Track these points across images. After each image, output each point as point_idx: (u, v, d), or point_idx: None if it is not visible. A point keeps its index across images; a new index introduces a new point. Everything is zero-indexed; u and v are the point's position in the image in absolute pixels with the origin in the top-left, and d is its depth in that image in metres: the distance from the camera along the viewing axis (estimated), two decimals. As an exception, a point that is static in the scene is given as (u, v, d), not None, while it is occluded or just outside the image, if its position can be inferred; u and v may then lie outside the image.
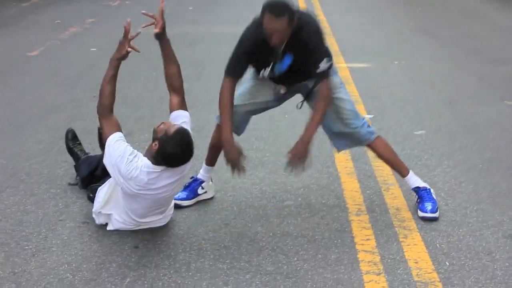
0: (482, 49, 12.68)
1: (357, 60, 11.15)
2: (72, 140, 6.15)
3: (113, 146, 4.95)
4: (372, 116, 8.08)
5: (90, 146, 6.00)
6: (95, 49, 11.66)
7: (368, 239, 5.14)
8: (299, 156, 5.29)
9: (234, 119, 5.38)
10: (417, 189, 5.60)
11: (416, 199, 5.60)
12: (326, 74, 5.19)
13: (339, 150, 5.71)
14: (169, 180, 4.96)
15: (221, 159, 5.49)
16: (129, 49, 5.25)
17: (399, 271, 4.69)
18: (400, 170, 5.68)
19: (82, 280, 4.51)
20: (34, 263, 4.72)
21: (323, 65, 5.14)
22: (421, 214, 5.46)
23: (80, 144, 6.12)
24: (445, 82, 9.99)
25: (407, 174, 5.65)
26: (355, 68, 10.51)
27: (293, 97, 5.67)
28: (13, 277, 4.53)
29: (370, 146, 5.60)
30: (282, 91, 5.44)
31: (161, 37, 5.37)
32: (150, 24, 5.39)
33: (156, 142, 4.86)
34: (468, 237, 5.19)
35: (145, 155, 4.96)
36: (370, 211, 5.62)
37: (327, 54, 5.22)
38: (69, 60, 11.00)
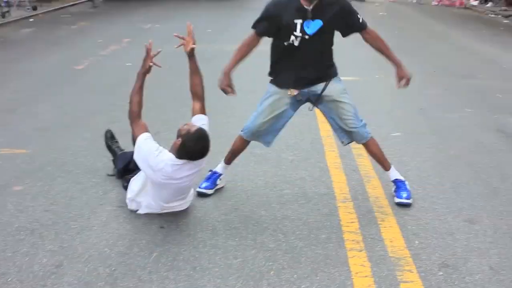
0: (447, 65, 12.69)
1: (345, 74, 10.95)
2: (110, 138, 6.16)
3: (142, 144, 4.98)
4: (356, 120, 8.06)
5: (125, 144, 5.98)
6: (130, 64, 11.61)
7: (352, 222, 5.13)
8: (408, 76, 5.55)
9: (262, 134, 5.48)
10: (395, 181, 5.60)
11: (393, 189, 5.59)
12: (365, 24, 5.39)
13: (343, 143, 5.65)
14: (190, 172, 4.96)
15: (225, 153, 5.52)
16: (151, 64, 5.33)
17: (377, 248, 4.68)
18: (384, 165, 5.66)
19: (117, 254, 4.51)
20: (78, 239, 4.72)
21: (361, 18, 5.34)
22: (397, 200, 5.47)
23: (117, 142, 6.13)
24: (417, 93, 9.94)
25: (389, 169, 5.65)
26: (345, 81, 10.41)
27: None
28: (61, 251, 4.54)
29: (365, 144, 5.57)
30: (295, 93, 5.35)
31: (191, 53, 5.42)
32: (181, 45, 5.42)
33: (180, 139, 4.88)
34: (434, 221, 5.19)
35: (170, 151, 4.96)
36: (354, 199, 5.62)
37: (357, 12, 5.37)
38: (108, 72, 11.01)
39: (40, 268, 4.29)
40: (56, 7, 21.64)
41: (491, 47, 15.73)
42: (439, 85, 10.61)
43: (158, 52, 5.38)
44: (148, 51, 5.35)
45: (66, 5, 22.44)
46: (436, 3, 28.03)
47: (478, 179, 6.19)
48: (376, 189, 5.85)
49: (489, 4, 27.05)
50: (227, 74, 5.45)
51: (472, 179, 6.19)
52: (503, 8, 25.56)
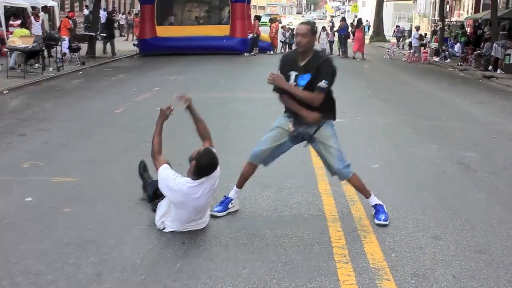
0: (416, 109, 12.64)
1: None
2: (143, 168, 6.11)
3: (162, 172, 5.03)
4: (342, 154, 8.02)
5: (154, 174, 5.93)
6: (159, 108, 11.64)
7: (340, 239, 5.07)
8: (277, 78, 5.20)
9: (264, 156, 5.48)
10: (375, 205, 5.54)
11: (373, 212, 5.53)
12: (321, 90, 5.16)
13: (331, 174, 5.63)
14: (205, 191, 4.92)
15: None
16: (168, 113, 5.49)
17: (360, 261, 4.63)
18: (365, 194, 5.61)
19: (147, 265, 4.46)
20: (115, 253, 4.67)
21: (322, 84, 5.14)
22: (377, 221, 5.41)
23: (148, 171, 6.08)
24: (392, 131, 9.94)
25: (369, 196, 5.59)
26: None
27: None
28: (101, 262, 4.49)
29: (348, 180, 5.56)
30: (292, 127, 5.35)
31: (189, 108, 5.52)
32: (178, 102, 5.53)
33: (194, 161, 4.91)
34: (407, 237, 5.14)
35: (187, 176, 4.96)
36: (341, 219, 5.55)
37: (329, 79, 5.17)
38: (141, 115, 10.98)
39: (84, 277, 4.24)
40: (101, 62, 21.76)
41: (451, 94, 15.73)
42: (409, 125, 10.56)
43: (171, 110, 5.49)
44: (162, 111, 5.51)
45: (108, 60, 22.59)
46: (406, 59, 28.12)
47: (442, 203, 6.13)
48: (359, 211, 5.78)
49: (448, 60, 27.15)
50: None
51: (437, 203, 6.12)
52: (459, 63, 25.66)
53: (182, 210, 4.97)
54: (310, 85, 5.18)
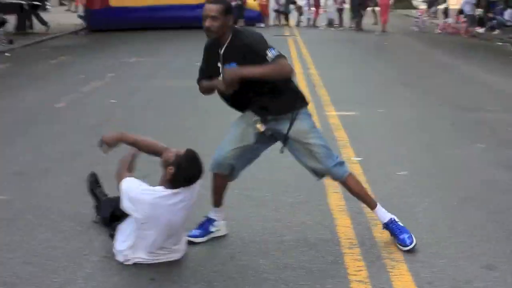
0: (452, 97, 12.73)
1: (346, 109, 11.16)
2: (94, 183, 6.11)
3: (124, 184, 5.02)
4: (359, 158, 8.05)
5: (109, 188, 5.93)
6: (114, 101, 11.67)
7: (360, 270, 5.07)
8: (231, 73, 5.11)
9: (227, 165, 5.46)
10: (386, 225, 5.51)
11: (389, 234, 5.52)
12: (277, 57, 5.10)
13: (319, 177, 5.62)
14: (179, 205, 4.96)
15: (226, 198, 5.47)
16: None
17: (388, 299, 4.63)
18: (369, 203, 5.59)
19: (104, 310, 4.45)
20: (61, 294, 4.66)
21: (270, 54, 5.10)
22: (404, 248, 5.37)
23: (100, 186, 6.07)
24: (422, 127, 9.99)
25: (375, 207, 5.57)
26: (344, 116, 10.51)
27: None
28: (42, 307, 4.47)
29: (343, 183, 5.53)
30: (262, 127, 5.36)
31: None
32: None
33: (171, 167, 4.89)
34: (448, 267, 5.14)
35: (160, 185, 4.98)
36: (361, 244, 5.56)
37: (269, 46, 5.16)
38: (91, 110, 11.00)
39: (20, 327, 4.23)
40: (35, 40, 21.72)
41: (500, 77, 15.81)
42: (446, 119, 10.61)
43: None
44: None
45: (44, 38, 22.51)
46: (440, 31, 28.25)
47: (493, 221, 6.15)
48: (384, 233, 5.76)
49: (497, 31, 27.26)
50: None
51: (487, 221, 6.14)
52: (511, 35, 25.75)
53: (150, 231, 4.96)
54: (242, 85, 5.20)
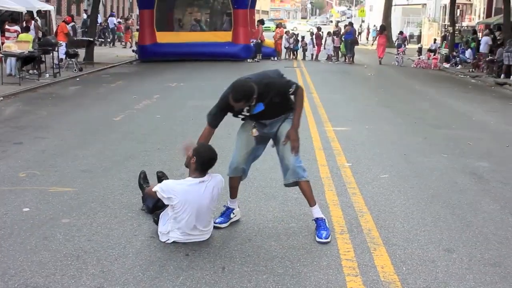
0: (425, 117, 12.68)
1: (340, 125, 11.14)
2: (143, 179, 6.14)
3: (161, 184, 5.12)
4: (350, 164, 8.04)
5: (154, 184, 5.96)
6: (159, 116, 11.72)
7: (348, 251, 5.07)
8: (296, 138, 5.29)
9: (241, 169, 5.52)
10: (316, 219, 5.42)
11: (315, 226, 5.44)
12: (295, 91, 5.27)
13: (283, 174, 5.49)
14: (208, 190, 5.04)
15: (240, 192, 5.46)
16: None
17: (370, 274, 4.63)
18: (310, 201, 5.47)
19: (149, 277, 4.47)
20: (116, 265, 4.69)
21: (291, 90, 5.27)
22: (318, 239, 5.26)
23: (148, 182, 6.10)
24: (400, 140, 9.95)
25: (313, 205, 5.47)
26: (338, 131, 10.49)
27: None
28: (102, 274, 4.51)
29: (298, 182, 5.40)
30: (256, 132, 5.41)
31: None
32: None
33: (193, 158, 5.02)
34: (418, 250, 5.14)
35: (189, 176, 5.13)
36: (350, 231, 5.56)
37: (290, 85, 5.27)
38: (142, 123, 11.04)
39: (84, 290, 4.26)
40: (98, 68, 21.85)
41: (462, 102, 15.74)
42: (419, 134, 10.55)
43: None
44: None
45: (106, 67, 22.67)
46: (415, 66, 28.15)
47: (454, 214, 6.14)
48: (368, 222, 5.79)
49: (459, 67, 27.19)
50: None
51: (449, 214, 6.13)
52: (471, 70, 25.69)
53: (183, 214, 4.99)
54: (265, 111, 5.26)
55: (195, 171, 5.06)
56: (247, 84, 5.07)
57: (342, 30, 30.57)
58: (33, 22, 20.39)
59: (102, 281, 4.39)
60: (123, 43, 36.82)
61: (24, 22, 20.03)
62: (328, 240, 5.25)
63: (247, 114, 5.32)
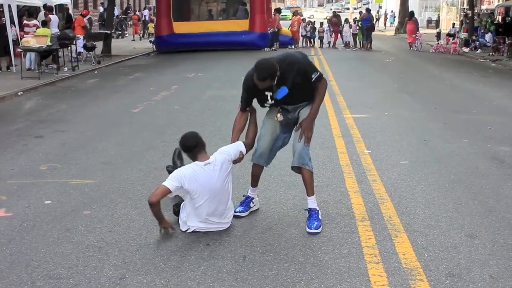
0: (445, 103, 12.56)
1: (359, 112, 11.09)
2: (177, 155, 6.13)
3: (168, 178, 5.03)
4: (370, 151, 8.01)
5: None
6: (177, 107, 11.74)
7: (370, 238, 5.06)
8: (308, 128, 5.28)
9: (264, 158, 5.54)
10: (309, 209, 5.36)
11: (307, 216, 5.38)
12: (318, 78, 5.24)
13: (292, 167, 5.44)
14: (216, 170, 5.05)
15: (261, 182, 5.45)
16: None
17: (392, 261, 4.61)
18: (309, 191, 5.39)
19: (171, 267, 4.50)
20: (138, 255, 4.72)
21: (314, 76, 5.21)
22: (307, 229, 5.20)
23: (182, 159, 6.07)
24: (420, 126, 9.88)
25: (311, 196, 5.40)
26: (358, 118, 10.44)
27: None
28: (124, 265, 4.54)
29: (302, 169, 5.34)
30: (280, 117, 5.40)
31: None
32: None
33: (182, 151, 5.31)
34: (440, 236, 5.10)
35: None
36: (371, 218, 5.54)
37: (314, 69, 5.27)
38: (160, 114, 11.07)
39: (106, 280, 4.30)
40: (116, 61, 21.93)
41: (482, 86, 15.59)
42: (439, 120, 10.48)
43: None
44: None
45: (124, 59, 22.74)
46: (434, 51, 27.89)
47: (476, 200, 6.09)
48: (389, 209, 5.76)
49: (479, 51, 26.90)
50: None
51: (471, 200, 6.08)
52: (491, 53, 25.41)
53: (198, 198, 4.99)
54: (290, 95, 5.24)
55: (193, 159, 5.14)
56: (270, 62, 5.10)
57: (350, 21, 30.62)
58: (53, 16, 20.48)
59: (124, 272, 4.42)
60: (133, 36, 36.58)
61: (44, 16, 20.09)
62: (318, 231, 5.18)
63: (272, 102, 5.31)
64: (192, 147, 5.11)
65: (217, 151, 5.25)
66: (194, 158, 5.13)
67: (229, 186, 5.25)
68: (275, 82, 5.12)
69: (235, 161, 5.31)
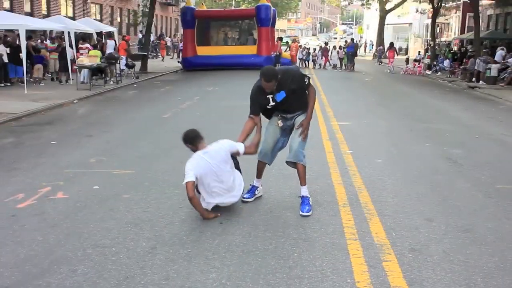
0: (411, 114, 12.51)
1: (343, 120, 11.07)
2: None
3: (186, 175, 4.94)
4: (351, 151, 8.00)
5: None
6: (199, 113, 11.75)
7: (349, 220, 5.06)
8: (306, 126, 5.29)
9: (268, 157, 5.53)
10: (302, 196, 5.33)
11: (300, 202, 5.33)
12: (309, 83, 5.31)
13: (287, 162, 5.40)
14: (209, 154, 5.01)
15: (265, 175, 5.45)
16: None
17: (366, 238, 4.61)
18: (302, 181, 5.36)
19: (192, 240, 4.52)
20: (166, 230, 4.74)
21: (306, 80, 5.29)
22: (300, 213, 5.18)
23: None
24: (392, 132, 9.86)
25: (303, 185, 5.36)
26: (342, 125, 10.42)
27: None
28: (155, 238, 4.56)
29: (296, 164, 5.32)
30: (280, 123, 5.42)
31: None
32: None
33: (187, 144, 5.27)
34: (405, 219, 5.10)
35: None
36: (351, 204, 5.54)
37: (305, 76, 5.32)
38: (185, 119, 11.06)
39: (141, 249, 4.32)
40: (151, 76, 21.95)
41: (441, 101, 15.51)
42: (407, 127, 10.45)
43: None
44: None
45: (157, 75, 22.78)
46: (403, 73, 27.82)
47: (434, 191, 6.08)
48: (365, 198, 5.76)
49: (439, 73, 26.82)
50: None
51: (430, 191, 6.08)
52: (448, 76, 25.33)
53: (205, 180, 4.96)
54: (287, 97, 5.25)
55: (195, 150, 5.13)
56: (272, 67, 5.28)
57: (337, 47, 30.57)
58: (110, 41, 20.61)
59: (154, 243, 4.44)
60: (161, 57, 36.20)
61: (97, 42, 20.15)
62: (309, 214, 5.16)
63: (273, 103, 5.30)
64: (192, 138, 5.15)
65: (217, 141, 5.21)
66: (195, 148, 5.10)
67: (231, 169, 5.15)
68: (275, 87, 5.16)
69: (233, 154, 5.23)
